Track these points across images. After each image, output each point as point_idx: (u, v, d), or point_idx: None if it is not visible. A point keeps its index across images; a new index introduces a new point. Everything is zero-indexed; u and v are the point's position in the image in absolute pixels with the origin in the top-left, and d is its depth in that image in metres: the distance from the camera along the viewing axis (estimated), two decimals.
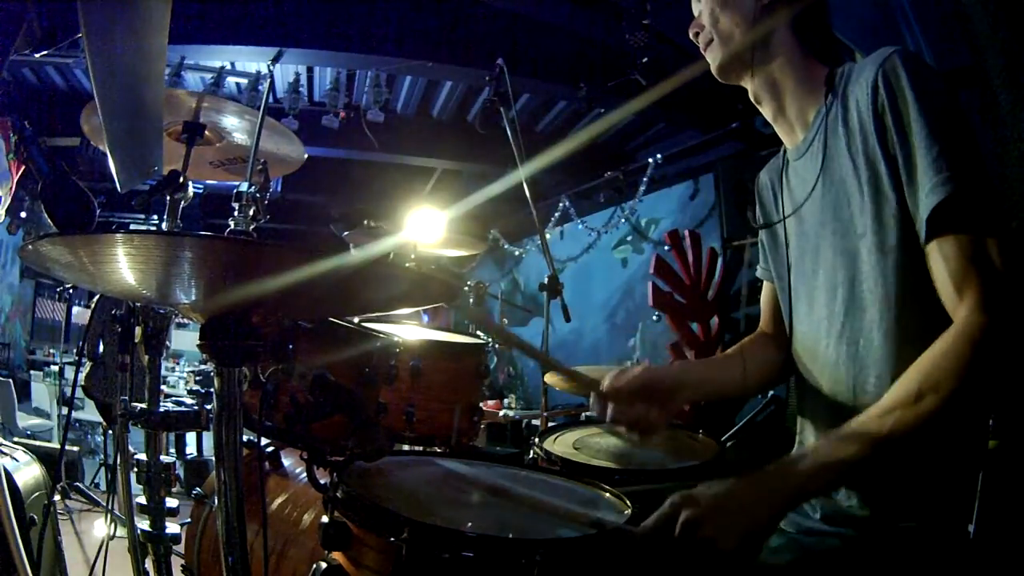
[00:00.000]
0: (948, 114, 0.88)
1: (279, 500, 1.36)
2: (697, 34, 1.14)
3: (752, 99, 1.14)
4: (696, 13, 1.14)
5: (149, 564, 1.62)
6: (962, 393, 0.81)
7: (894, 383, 0.85)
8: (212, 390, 0.85)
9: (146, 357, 1.58)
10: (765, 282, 1.29)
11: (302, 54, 4.42)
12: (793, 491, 0.83)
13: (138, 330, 1.56)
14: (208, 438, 4.12)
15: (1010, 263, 0.83)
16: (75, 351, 4.98)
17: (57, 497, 2.06)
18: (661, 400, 1.12)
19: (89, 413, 4.92)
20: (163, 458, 1.61)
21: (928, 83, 0.89)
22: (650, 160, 5.14)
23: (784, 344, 1.17)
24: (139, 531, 1.59)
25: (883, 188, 0.92)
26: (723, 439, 1.52)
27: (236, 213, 1.60)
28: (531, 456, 1.46)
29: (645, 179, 5.19)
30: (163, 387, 2.24)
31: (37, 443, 4.20)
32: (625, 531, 0.83)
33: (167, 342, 1.65)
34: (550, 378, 2.12)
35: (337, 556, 0.86)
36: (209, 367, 3.53)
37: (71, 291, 5.46)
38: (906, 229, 0.91)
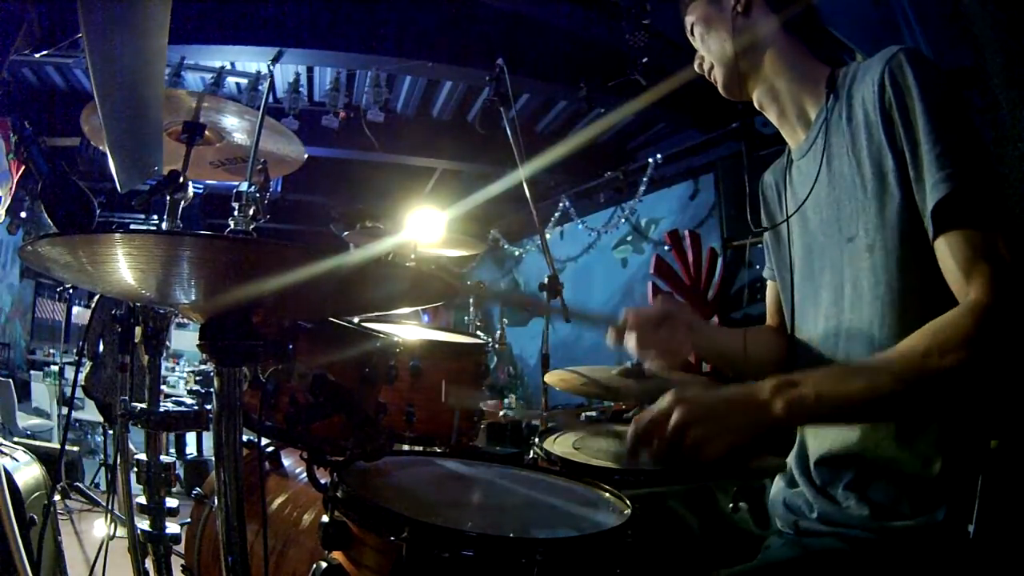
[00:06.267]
0: (952, 111, 0.89)
1: (279, 500, 1.35)
2: (701, 66, 1.19)
3: (757, 106, 1.16)
4: (697, 48, 1.19)
5: (149, 564, 1.62)
6: (966, 365, 0.79)
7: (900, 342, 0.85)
8: (212, 390, 0.85)
9: (146, 357, 1.58)
10: (769, 281, 1.29)
11: (302, 54, 4.42)
12: (783, 415, 0.82)
13: (138, 330, 1.57)
14: (208, 438, 4.12)
15: (1017, 256, 0.83)
16: (75, 351, 4.99)
17: (57, 497, 2.06)
18: (681, 330, 1.16)
19: (89, 413, 4.92)
20: (163, 458, 1.61)
21: (933, 81, 0.90)
22: (650, 160, 5.14)
23: (786, 339, 1.18)
24: (139, 531, 1.60)
25: (889, 185, 0.93)
26: None
27: (236, 213, 1.60)
28: (531, 456, 1.46)
29: (645, 179, 5.20)
30: (163, 387, 2.24)
31: (37, 443, 4.20)
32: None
33: (167, 342, 1.65)
34: (550, 377, 2.11)
35: (337, 556, 0.86)
36: (209, 367, 3.53)
37: (71, 291, 5.47)
38: (910, 226, 0.91)
